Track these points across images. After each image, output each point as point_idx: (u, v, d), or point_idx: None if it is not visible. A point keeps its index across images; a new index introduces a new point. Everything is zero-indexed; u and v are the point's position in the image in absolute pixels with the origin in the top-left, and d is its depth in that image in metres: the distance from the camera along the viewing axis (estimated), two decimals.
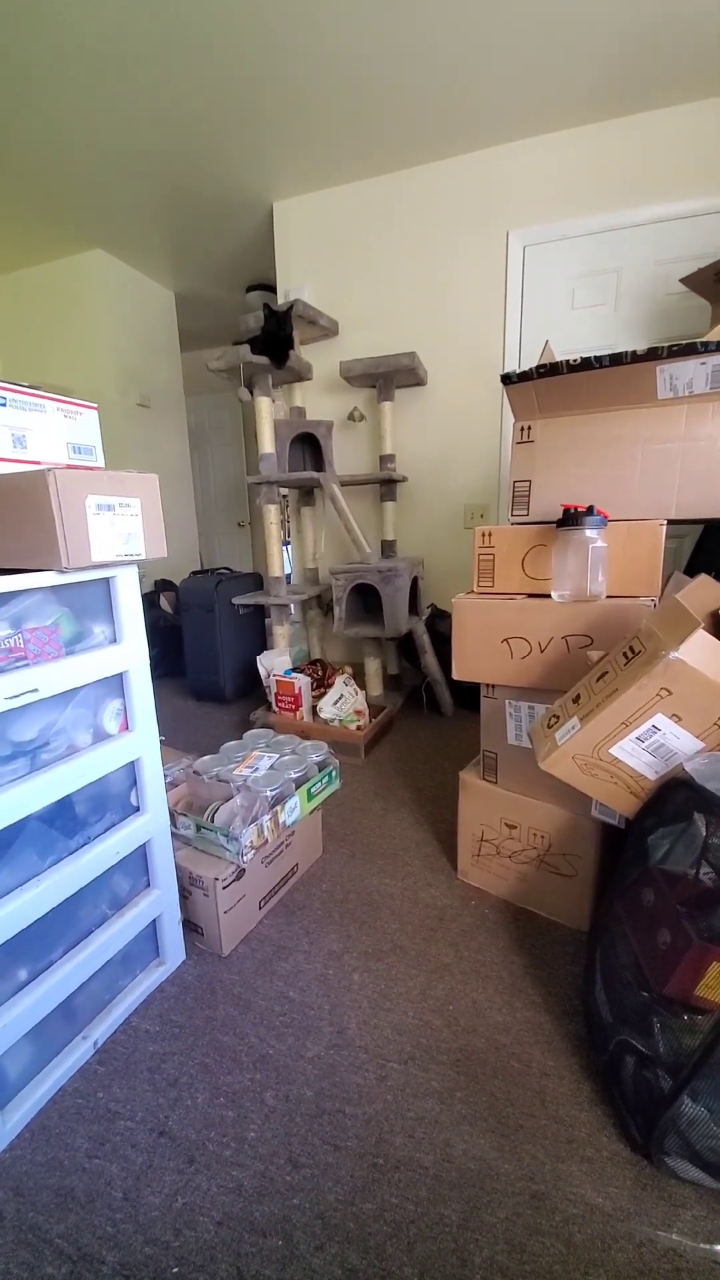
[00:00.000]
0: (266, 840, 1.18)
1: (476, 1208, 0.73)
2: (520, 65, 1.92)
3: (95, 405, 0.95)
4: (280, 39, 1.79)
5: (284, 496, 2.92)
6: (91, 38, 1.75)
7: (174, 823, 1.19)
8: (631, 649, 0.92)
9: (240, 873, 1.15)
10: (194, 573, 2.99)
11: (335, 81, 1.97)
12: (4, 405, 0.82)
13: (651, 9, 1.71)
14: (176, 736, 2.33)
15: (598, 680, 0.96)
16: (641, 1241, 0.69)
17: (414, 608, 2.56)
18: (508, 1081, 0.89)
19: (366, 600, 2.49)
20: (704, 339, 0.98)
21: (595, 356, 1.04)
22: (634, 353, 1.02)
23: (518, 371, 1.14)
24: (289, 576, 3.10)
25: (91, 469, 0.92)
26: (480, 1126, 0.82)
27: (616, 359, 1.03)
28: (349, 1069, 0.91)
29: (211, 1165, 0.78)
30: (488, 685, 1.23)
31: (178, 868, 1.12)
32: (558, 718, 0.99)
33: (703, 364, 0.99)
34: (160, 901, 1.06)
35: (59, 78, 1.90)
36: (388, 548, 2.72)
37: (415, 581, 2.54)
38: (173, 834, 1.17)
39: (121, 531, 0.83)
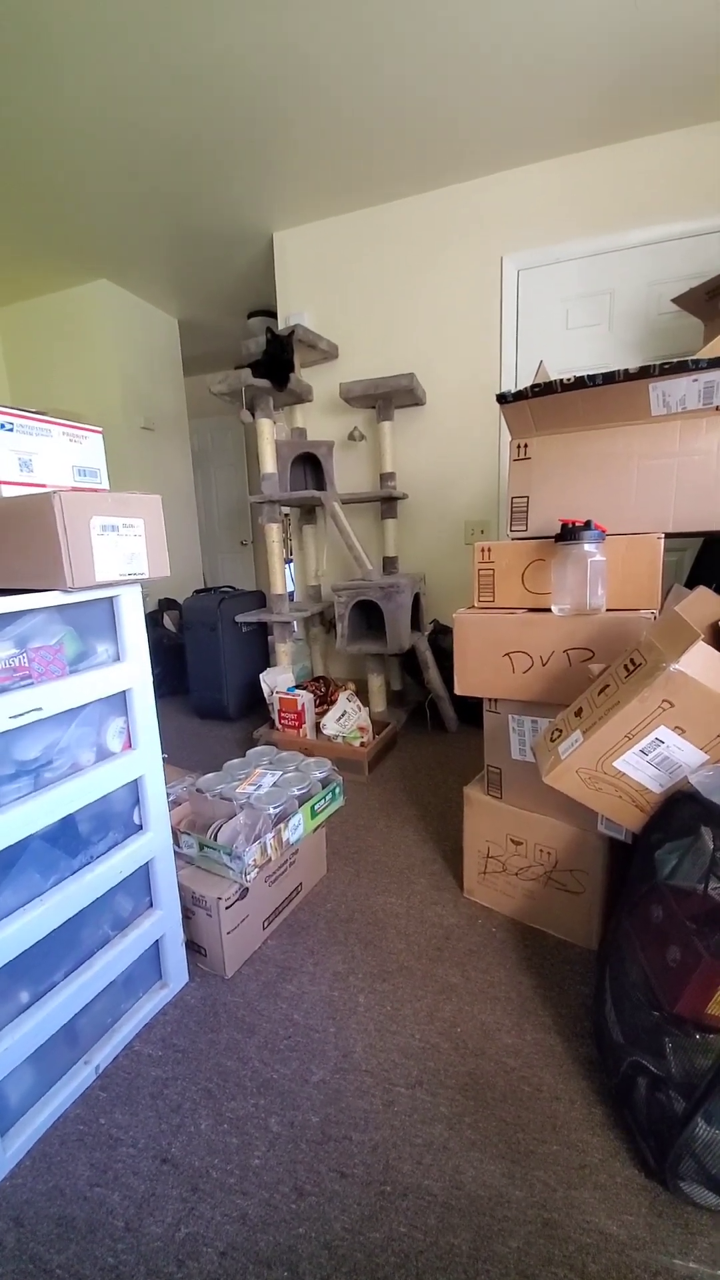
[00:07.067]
0: (270, 858, 1.17)
1: (487, 1237, 0.71)
2: (510, 100, 1.99)
3: (100, 429, 0.98)
4: (276, 79, 1.86)
5: (286, 515, 2.96)
6: (97, 81, 1.83)
7: (177, 841, 1.19)
8: (632, 661, 0.92)
9: (244, 892, 1.15)
10: (197, 591, 3.01)
11: (331, 119, 2.05)
12: (10, 430, 0.84)
13: (640, 44, 1.77)
14: (180, 754, 2.33)
15: (599, 693, 0.96)
16: (657, 1270, 0.67)
17: (416, 624, 2.57)
18: (517, 1106, 0.87)
19: (369, 617, 2.50)
20: (695, 357, 1.00)
21: (589, 375, 1.06)
22: (627, 371, 1.04)
23: (513, 391, 1.16)
24: (291, 594, 3.11)
25: (96, 491, 0.94)
26: (490, 1152, 0.80)
27: (610, 377, 1.05)
28: (355, 1094, 0.89)
29: (215, 1193, 0.76)
30: (490, 700, 1.23)
31: (180, 887, 1.11)
32: (560, 731, 0.99)
33: (694, 381, 1.01)
34: (163, 922, 1.06)
35: (66, 120, 1.98)
36: (389, 564, 2.74)
37: (417, 598, 2.55)
38: (175, 853, 1.16)
39: (125, 551, 0.85)
